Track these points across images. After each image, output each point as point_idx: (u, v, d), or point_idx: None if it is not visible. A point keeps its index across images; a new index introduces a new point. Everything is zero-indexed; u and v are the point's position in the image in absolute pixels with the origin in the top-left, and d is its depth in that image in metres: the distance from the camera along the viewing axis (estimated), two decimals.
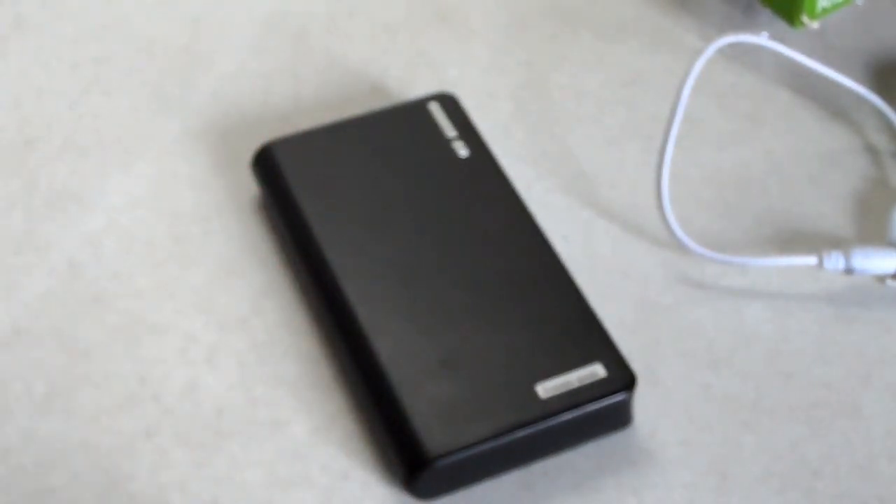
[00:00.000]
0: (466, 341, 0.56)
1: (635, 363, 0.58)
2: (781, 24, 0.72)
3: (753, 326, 0.59)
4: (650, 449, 0.56)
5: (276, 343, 0.59)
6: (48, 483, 0.55)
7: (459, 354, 0.55)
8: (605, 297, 0.60)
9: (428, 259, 0.58)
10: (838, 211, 0.64)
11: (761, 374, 0.58)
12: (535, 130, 0.67)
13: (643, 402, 0.57)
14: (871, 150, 0.66)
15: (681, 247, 0.62)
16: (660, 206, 0.61)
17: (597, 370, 0.55)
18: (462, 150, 0.62)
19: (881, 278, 0.61)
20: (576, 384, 0.54)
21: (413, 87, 0.69)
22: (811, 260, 0.59)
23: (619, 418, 0.55)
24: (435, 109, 0.64)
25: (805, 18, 0.68)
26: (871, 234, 0.63)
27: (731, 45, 0.71)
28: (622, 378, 0.54)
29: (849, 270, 0.60)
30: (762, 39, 0.63)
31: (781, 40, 0.71)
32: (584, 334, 0.56)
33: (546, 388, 0.54)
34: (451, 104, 0.64)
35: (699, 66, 0.61)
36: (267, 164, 0.62)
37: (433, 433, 0.53)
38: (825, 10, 0.69)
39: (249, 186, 0.65)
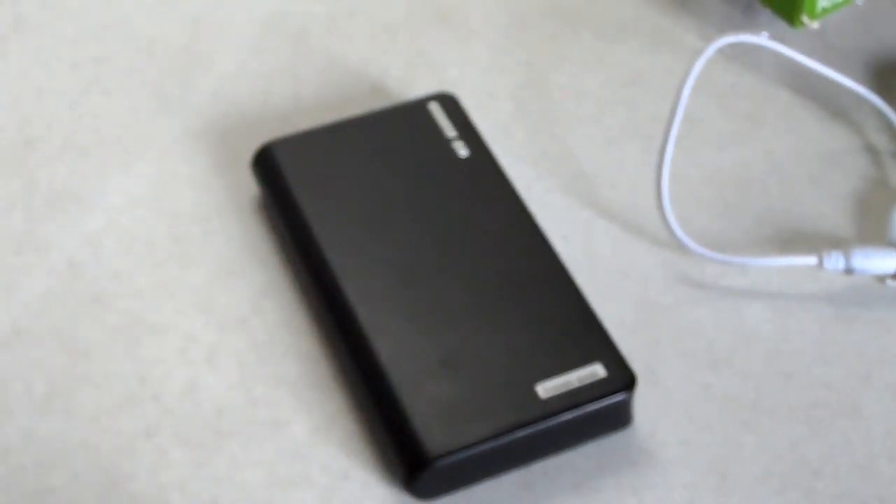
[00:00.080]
0: (466, 341, 0.56)
1: (635, 363, 0.58)
2: (781, 24, 0.72)
3: (753, 326, 0.59)
4: (650, 449, 0.56)
5: (276, 343, 0.59)
6: (48, 483, 0.55)
7: (459, 354, 0.55)
8: (605, 297, 0.60)
9: (428, 259, 0.58)
10: (838, 211, 0.64)
11: (761, 374, 0.58)
12: (535, 130, 0.67)
13: (643, 402, 0.57)
14: (871, 150, 0.66)
15: (681, 247, 0.62)
16: (660, 206, 0.61)
17: (597, 370, 0.55)
18: (462, 150, 0.62)
19: (881, 278, 0.61)
20: (576, 384, 0.54)
21: (413, 87, 0.69)
22: (811, 260, 0.59)
23: (619, 418, 0.55)
24: (435, 109, 0.64)
25: (805, 18, 0.68)
26: (871, 234, 0.63)
27: (731, 45, 0.71)
28: (622, 378, 0.54)
29: (849, 270, 0.60)
30: (762, 39, 0.63)
31: (781, 40, 0.71)
32: (584, 334, 0.56)
33: (546, 388, 0.54)
34: (451, 104, 0.64)
35: (699, 66, 0.61)
36: (267, 164, 0.62)
37: (433, 433, 0.53)
38: (825, 10, 0.69)
39: (249, 186, 0.65)
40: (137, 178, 0.65)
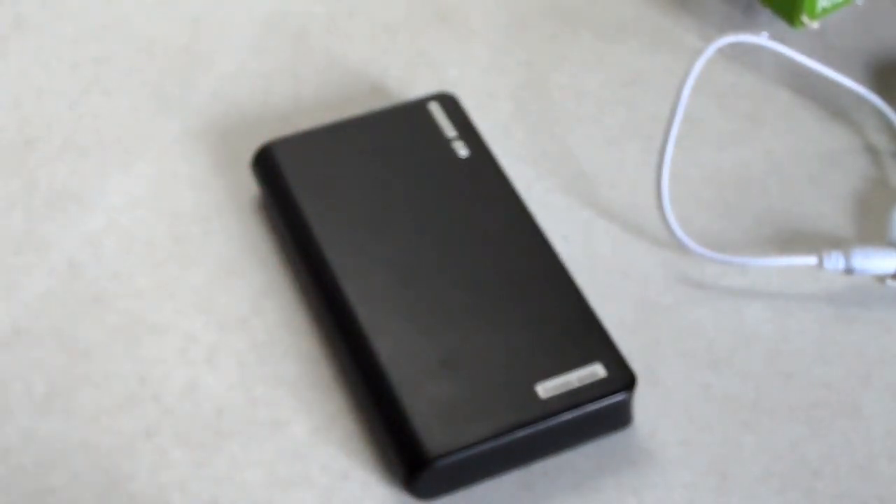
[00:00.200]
0: (466, 341, 0.56)
1: (635, 363, 0.58)
2: (781, 24, 0.72)
3: (753, 326, 0.59)
4: (650, 449, 0.56)
5: (276, 343, 0.59)
6: (48, 483, 0.55)
7: (459, 354, 0.55)
8: (605, 297, 0.60)
9: (428, 259, 0.58)
10: (838, 211, 0.64)
11: (761, 374, 0.58)
12: (535, 130, 0.67)
13: (643, 402, 0.57)
14: (871, 150, 0.66)
15: (681, 247, 0.62)
16: (660, 206, 0.61)
17: (597, 370, 0.55)
18: (462, 150, 0.62)
19: (881, 278, 0.61)
20: (576, 384, 0.54)
21: (413, 87, 0.69)
22: (811, 260, 0.59)
23: (619, 418, 0.55)
24: (435, 109, 0.64)
25: (805, 18, 0.68)
26: (871, 234, 0.63)
27: (731, 45, 0.71)
28: (622, 378, 0.54)
29: (849, 270, 0.60)
30: (762, 39, 0.63)
31: (781, 40, 0.71)
32: (584, 334, 0.56)
33: (546, 388, 0.54)
34: (451, 104, 0.64)
35: (699, 66, 0.61)
36: (267, 164, 0.62)
37: (433, 433, 0.53)
38: (825, 10, 0.69)
39: (249, 186, 0.65)
40: (137, 178, 0.65)
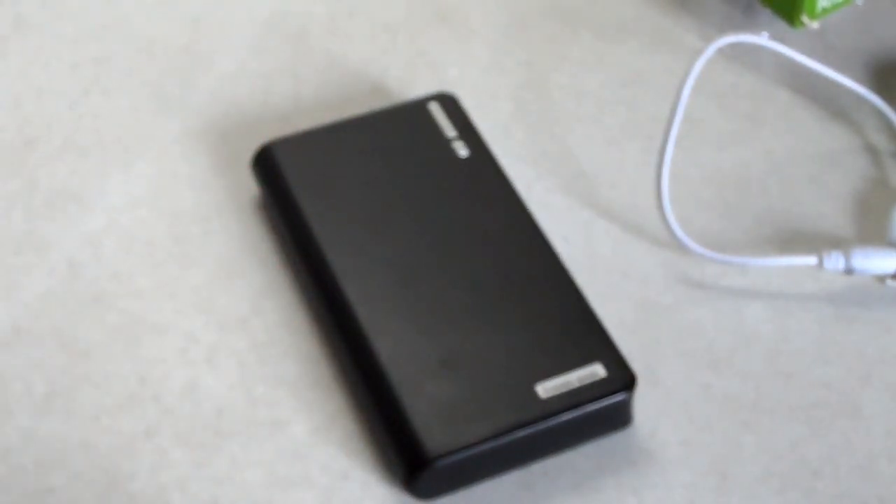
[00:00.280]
0: (466, 341, 0.56)
1: (635, 363, 0.58)
2: (781, 24, 0.72)
3: (753, 326, 0.59)
4: (650, 449, 0.56)
5: (276, 343, 0.59)
6: (48, 483, 0.55)
7: (459, 354, 0.55)
8: (605, 297, 0.60)
9: (428, 259, 0.58)
10: (838, 211, 0.64)
11: (761, 374, 0.58)
12: (535, 130, 0.67)
13: (643, 402, 0.57)
14: (871, 150, 0.66)
15: (681, 247, 0.62)
16: (660, 206, 0.61)
17: (597, 370, 0.55)
18: (462, 150, 0.62)
19: (881, 278, 0.61)
20: (576, 384, 0.54)
21: (413, 87, 0.69)
22: (811, 260, 0.59)
23: (619, 418, 0.55)
24: (435, 109, 0.64)
25: (805, 18, 0.68)
26: (871, 234, 0.63)
27: (731, 45, 0.71)
28: (622, 378, 0.54)
29: (849, 270, 0.60)
30: (762, 39, 0.63)
31: (781, 40, 0.71)
32: (584, 334, 0.56)
33: (546, 388, 0.54)
34: (451, 104, 0.64)
35: (699, 66, 0.61)
36: (267, 164, 0.62)
37: (433, 433, 0.53)
38: (825, 10, 0.69)
39: (249, 186, 0.65)
40: (137, 178, 0.65)
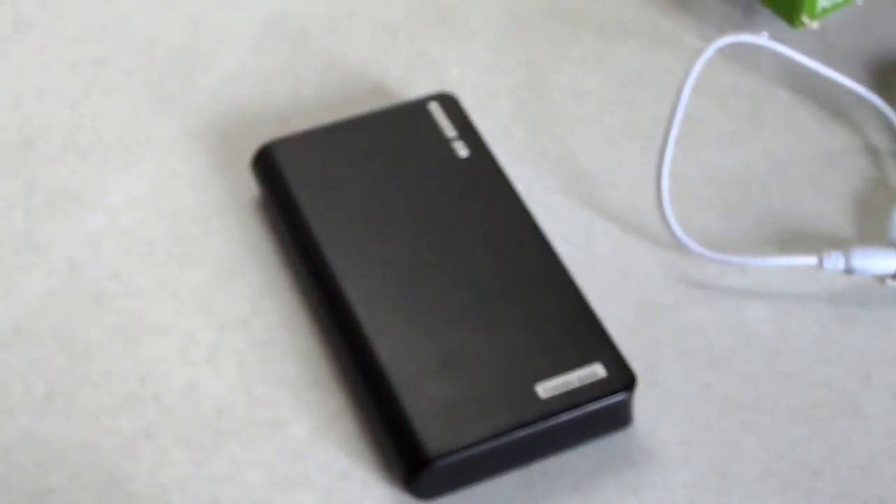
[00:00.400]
0: (466, 341, 0.56)
1: (635, 363, 0.58)
2: (781, 24, 0.72)
3: (753, 326, 0.59)
4: (650, 449, 0.56)
5: (276, 343, 0.59)
6: (48, 483, 0.55)
7: (459, 354, 0.55)
8: (605, 297, 0.60)
9: (428, 259, 0.58)
10: (838, 211, 0.64)
11: (761, 374, 0.58)
12: (535, 130, 0.67)
13: (643, 402, 0.57)
14: (871, 150, 0.66)
15: (681, 247, 0.62)
16: (660, 206, 0.61)
17: (597, 370, 0.55)
18: (462, 150, 0.62)
19: (881, 278, 0.61)
20: (576, 384, 0.54)
21: (413, 87, 0.69)
22: (811, 260, 0.59)
23: (619, 418, 0.55)
24: (435, 109, 0.64)
25: (805, 18, 0.68)
26: (871, 234, 0.63)
27: (731, 45, 0.71)
28: (622, 378, 0.54)
29: (849, 270, 0.60)
30: (762, 39, 0.63)
31: (781, 40, 0.71)
32: (584, 334, 0.56)
33: (546, 388, 0.54)
34: (451, 104, 0.64)
35: (699, 66, 0.61)
36: (267, 164, 0.62)
37: (433, 433, 0.53)
38: (825, 10, 0.69)
39: (249, 186, 0.65)
40: (137, 178, 0.65)
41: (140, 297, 0.60)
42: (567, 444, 0.55)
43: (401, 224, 0.60)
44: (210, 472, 0.55)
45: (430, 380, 0.54)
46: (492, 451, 0.53)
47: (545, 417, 0.53)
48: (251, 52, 0.70)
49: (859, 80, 0.69)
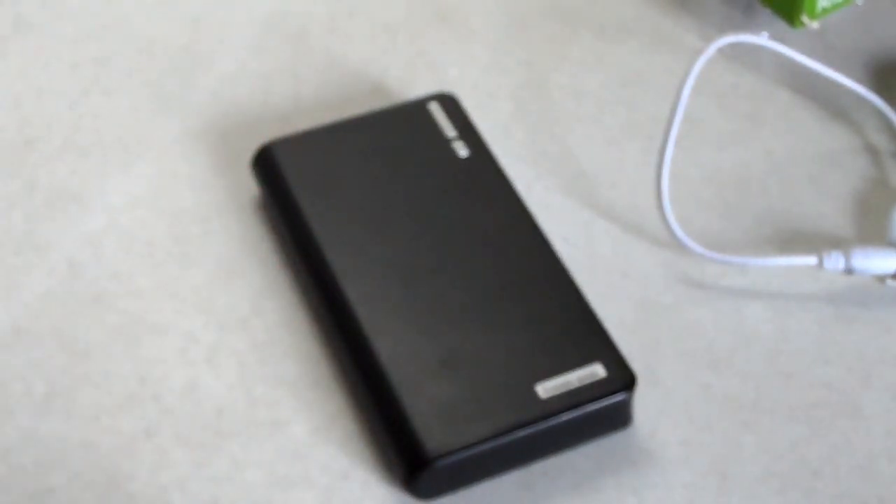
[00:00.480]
0: (466, 341, 0.56)
1: (635, 363, 0.58)
2: (781, 24, 0.72)
3: (753, 326, 0.59)
4: (650, 449, 0.56)
5: (276, 343, 0.59)
6: (48, 483, 0.55)
7: (459, 354, 0.55)
8: (605, 297, 0.60)
9: (428, 259, 0.58)
10: (838, 211, 0.64)
11: (761, 374, 0.58)
12: (535, 130, 0.67)
13: (643, 402, 0.57)
14: (871, 150, 0.66)
15: (681, 247, 0.62)
16: (660, 206, 0.61)
17: (597, 370, 0.55)
18: (462, 150, 0.62)
19: (881, 278, 0.61)
20: (576, 384, 0.54)
21: (413, 87, 0.69)
22: (811, 260, 0.59)
23: (619, 418, 0.55)
24: (435, 109, 0.64)
25: (805, 18, 0.68)
26: (871, 234, 0.63)
27: (731, 45, 0.71)
28: (622, 378, 0.54)
29: (849, 270, 0.60)
30: (762, 39, 0.63)
31: (781, 40, 0.71)
32: (584, 334, 0.56)
33: (546, 388, 0.54)
34: (451, 104, 0.64)
35: (699, 66, 0.61)
36: (267, 164, 0.62)
37: (433, 433, 0.53)
38: (825, 10, 0.69)
39: (249, 186, 0.65)
40: (137, 178, 0.65)
41: (140, 297, 0.60)
42: (567, 444, 0.55)
43: (401, 224, 0.60)
44: (210, 472, 0.55)
45: (430, 380, 0.54)
46: (492, 451, 0.53)
47: (545, 417, 0.53)
48: (251, 52, 0.70)
49: (859, 80, 0.69)
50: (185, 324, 0.59)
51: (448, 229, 0.59)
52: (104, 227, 0.63)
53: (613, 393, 0.54)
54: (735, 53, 0.71)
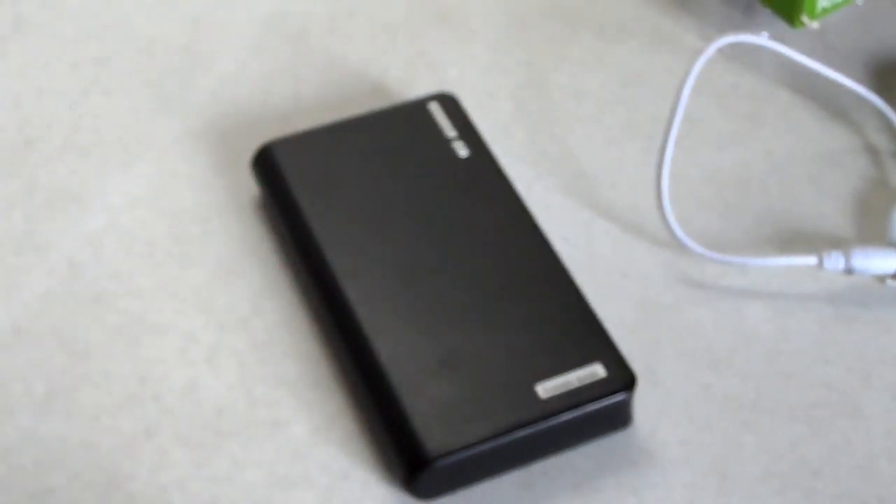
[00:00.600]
0: (466, 341, 0.56)
1: (635, 363, 0.58)
2: (781, 24, 0.72)
3: (753, 326, 0.59)
4: (650, 449, 0.56)
5: (276, 343, 0.59)
6: (48, 483, 0.55)
7: (459, 354, 0.55)
8: (605, 297, 0.60)
9: (428, 259, 0.58)
10: (838, 211, 0.64)
11: (761, 374, 0.58)
12: (535, 130, 0.67)
13: (643, 402, 0.57)
14: (871, 150, 0.66)
15: (681, 247, 0.62)
16: (660, 206, 0.61)
17: (597, 370, 0.55)
18: (462, 150, 0.62)
19: (881, 278, 0.61)
20: (576, 384, 0.54)
21: (413, 87, 0.69)
22: (811, 260, 0.59)
23: (619, 418, 0.55)
24: (435, 109, 0.64)
25: (805, 18, 0.68)
26: (871, 234, 0.63)
27: (731, 45, 0.71)
28: (622, 378, 0.54)
29: (849, 270, 0.60)
30: (762, 39, 0.63)
31: (781, 40, 0.71)
32: (584, 334, 0.56)
33: (546, 388, 0.54)
34: (451, 104, 0.64)
35: (699, 66, 0.61)
36: (267, 164, 0.62)
37: (433, 433, 0.53)
38: (825, 10, 0.69)
39: (249, 186, 0.65)
40: (137, 178, 0.65)
41: (140, 297, 0.60)
42: (567, 444, 0.55)
43: (401, 224, 0.60)
44: (210, 472, 0.55)
45: (430, 380, 0.54)
46: (492, 451, 0.53)
47: (545, 417, 0.53)
48: (251, 52, 0.70)
49: (859, 80, 0.69)
50: (185, 324, 0.59)
51: (448, 229, 0.59)
52: (104, 227, 0.63)
53: (613, 393, 0.54)
54: (735, 53, 0.71)
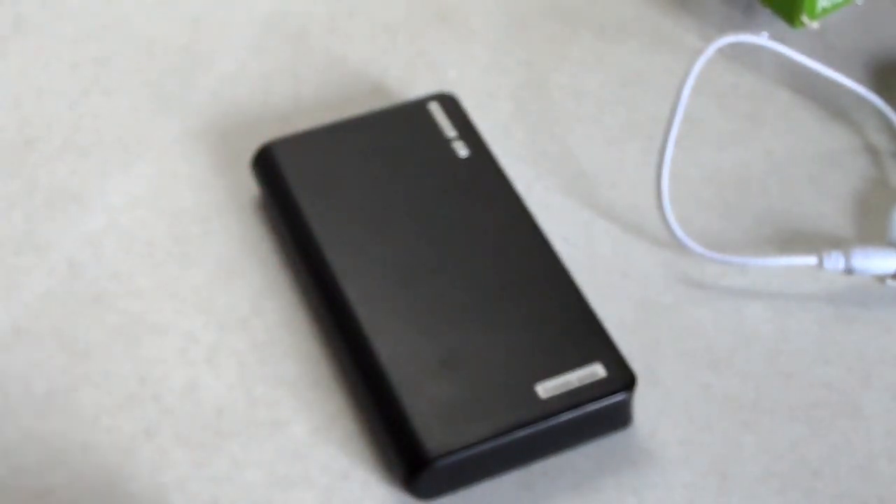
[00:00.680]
0: (466, 341, 0.56)
1: (635, 363, 0.58)
2: (781, 24, 0.72)
3: (753, 326, 0.59)
4: (650, 449, 0.56)
5: (276, 343, 0.59)
6: (48, 483, 0.55)
7: (459, 354, 0.55)
8: (605, 297, 0.60)
9: (428, 259, 0.58)
10: (838, 211, 0.64)
11: (761, 374, 0.58)
12: (535, 130, 0.67)
13: (643, 402, 0.57)
14: (871, 150, 0.66)
15: (681, 247, 0.62)
16: (660, 206, 0.61)
17: (597, 370, 0.55)
18: (462, 150, 0.62)
19: (881, 278, 0.61)
20: (576, 384, 0.54)
21: (413, 87, 0.69)
22: (811, 260, 0.59)
23: (619, 418, 0.55)
24: (435, 109, 0.64)
25: (805, 18, 0.68)
26: (871, 234, 0.63)
27: (731, 45, 0.71)
28: (622, 378, 0.54)
29: (849, 270, 0.60)
30: (762, 39, 0.63)
31: (781, 40, 0.71)
32: (584, 334, 0.56)
33: (546, 388, 0.54)
34: (451, 104, 0.64)
35: (699, 66, 0.61)
36: (267, 164, 0.62)
37: (433, 433, 0.53)
38: (825, 10, 0.69)
39: (249, 186, 0.65)
40: (137, 178, 0.65)
41: (140, 297, 0.60)
42: (567, 444, 0.55)
43: (401, 224, 0.60)
44: (210, 472, 0.55)
45: (430, 380, 0.54)
46: (492, 451, 0.53)
47: (545, 417, 0.53)
48: (251, 52, 0.70)
49: (859, 80, 0.69)
50: (185, 324, 0.59)
51: (448, 229, 0.59)
52: (104, 227, 0.63)
53: (613, 393, 0.54)
54: (735, 53, 0.71)
